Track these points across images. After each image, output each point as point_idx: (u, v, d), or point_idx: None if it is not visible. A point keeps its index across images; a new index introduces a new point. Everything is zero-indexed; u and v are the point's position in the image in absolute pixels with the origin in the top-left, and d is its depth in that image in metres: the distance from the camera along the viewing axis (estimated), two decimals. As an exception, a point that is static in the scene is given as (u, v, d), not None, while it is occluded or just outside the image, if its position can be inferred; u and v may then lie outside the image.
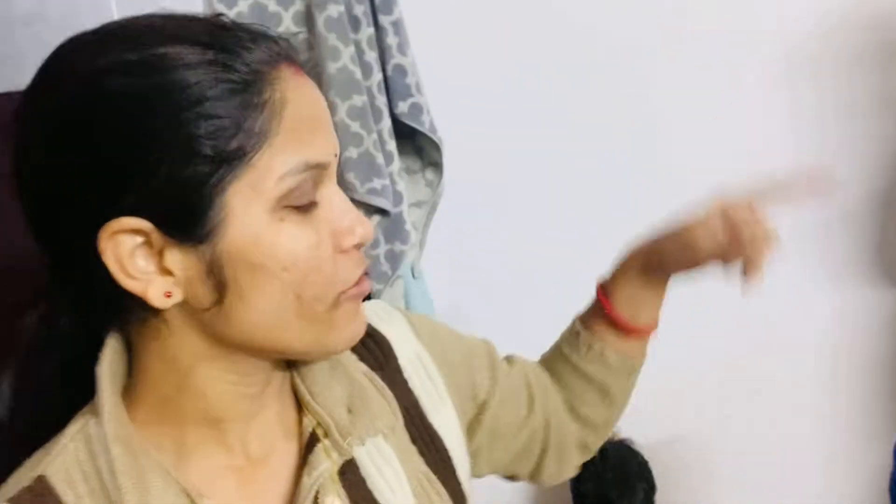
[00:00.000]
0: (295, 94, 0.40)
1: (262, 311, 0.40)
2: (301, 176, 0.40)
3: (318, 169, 0.41)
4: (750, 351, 1.43)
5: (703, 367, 1.43)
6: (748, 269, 0.55)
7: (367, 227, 0.44)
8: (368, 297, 0.52)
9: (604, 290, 0.64)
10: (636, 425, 1.13)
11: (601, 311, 0.63)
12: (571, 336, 0.66)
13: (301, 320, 0.42)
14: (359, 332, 0.46)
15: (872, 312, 1.42)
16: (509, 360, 0.66)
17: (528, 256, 1.38)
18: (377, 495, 0.47)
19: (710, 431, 1.48)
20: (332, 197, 0.43)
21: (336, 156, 0.43)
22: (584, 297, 0.67)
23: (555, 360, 0.67)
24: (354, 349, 0.51)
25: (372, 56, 1.11)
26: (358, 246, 0.43)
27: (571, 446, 0.67)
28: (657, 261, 0.61)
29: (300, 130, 0.40)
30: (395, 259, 1.13)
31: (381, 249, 1.13)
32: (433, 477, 0.52)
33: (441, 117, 1.21)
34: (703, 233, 0.57)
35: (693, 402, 1.46)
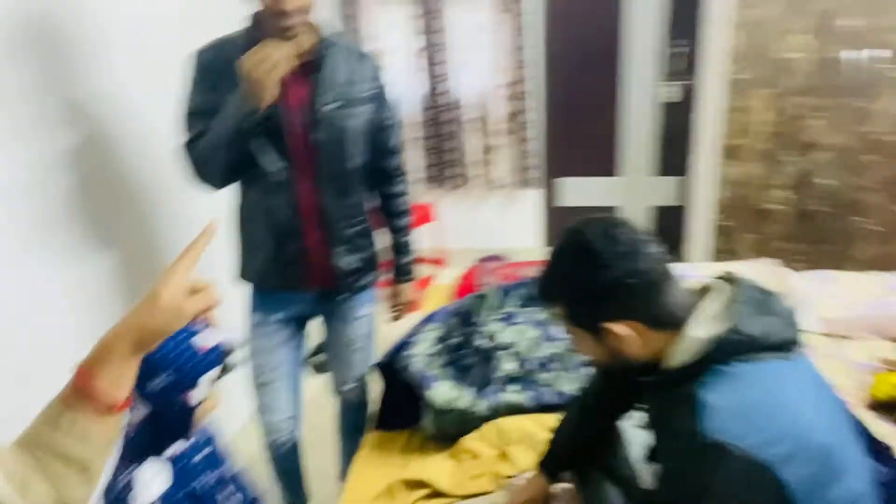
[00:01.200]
0: None
1: None
2: None
3: None
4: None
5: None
6: None
7: None
8: None
9: (87, 373, 0.69)
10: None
11: (83, 391, 0.68)
12: (51, 415, 0.68)
13: None
14: None
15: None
16: None
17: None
18: None
19: None
20: None
21: None
22: None
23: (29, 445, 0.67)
24: None
25: None
26: None
27: None
28: (151, 337, 0.72)
29: None
30: None
31: None
32: None
33: None
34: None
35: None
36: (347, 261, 1.68)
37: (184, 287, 0.75)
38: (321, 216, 1.62)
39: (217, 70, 1.48)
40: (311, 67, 1.52)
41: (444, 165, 3.55)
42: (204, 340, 1.06)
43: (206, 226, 0.81)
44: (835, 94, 2.59)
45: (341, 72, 1.55)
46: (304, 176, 1.58)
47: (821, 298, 2.17)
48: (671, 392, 0.96)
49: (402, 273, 1.86)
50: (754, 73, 2.62)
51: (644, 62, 3.36)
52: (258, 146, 1.53)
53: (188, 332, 1.07)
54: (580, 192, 3.69)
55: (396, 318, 1.95)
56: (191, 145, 1.52)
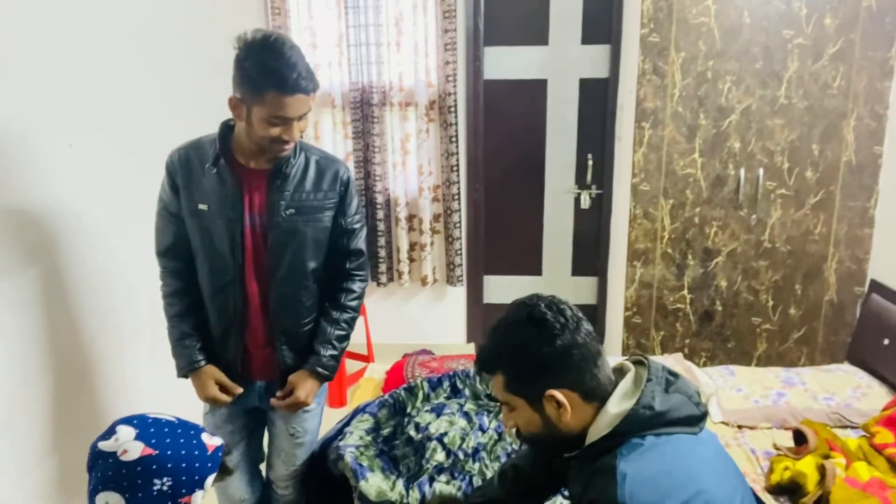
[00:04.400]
0: None
1: None
2: None
3: None
4: None
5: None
6: None
7: None
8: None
9: None
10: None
11: None
12: None
13: None
14: None
15: None
16: None
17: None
18: None
19: None
20: None
21: None
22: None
23: None
24: None
25: None
26: None
27: None
28: None
29: None
30: None
31: None
32: None
33: None
34: None
35: None
36: (292, 356, 1.71)
37: None
38: (267, 314, 1.67)
39: (179, 172, 1.61)
40: (275, 173, 1.59)
41: (375, 261, 3.67)
42: (210, 439, 1.09)
43: None
44: (726, 205, 2.92)
45: (303, 179, 1.62)
46: (256, 275, 1.64)
47: (722, 391, 2.36)
48: (593, 464, 1.06)
49: (317, 364, 1.70)
50: (658, 186, 2.93)
51: (563, 171, 3.67)
52: (213, 245, 1.61)
53: (197, 428, 1.10)
54: (505, 289, 3.87)
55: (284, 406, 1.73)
56: (161, 271, 1.72)
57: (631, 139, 2.94)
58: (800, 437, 2.03)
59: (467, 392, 2.17)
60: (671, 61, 2.79)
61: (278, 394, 1.71)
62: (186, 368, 1.68)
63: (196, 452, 1.05)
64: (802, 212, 2.90)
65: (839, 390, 2.30)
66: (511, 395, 1.13)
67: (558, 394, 1.07)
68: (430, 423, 1.90)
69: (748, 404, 2.29)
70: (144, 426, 1.04)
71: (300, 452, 1.84)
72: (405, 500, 1.67)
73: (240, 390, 1.71)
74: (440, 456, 1.79)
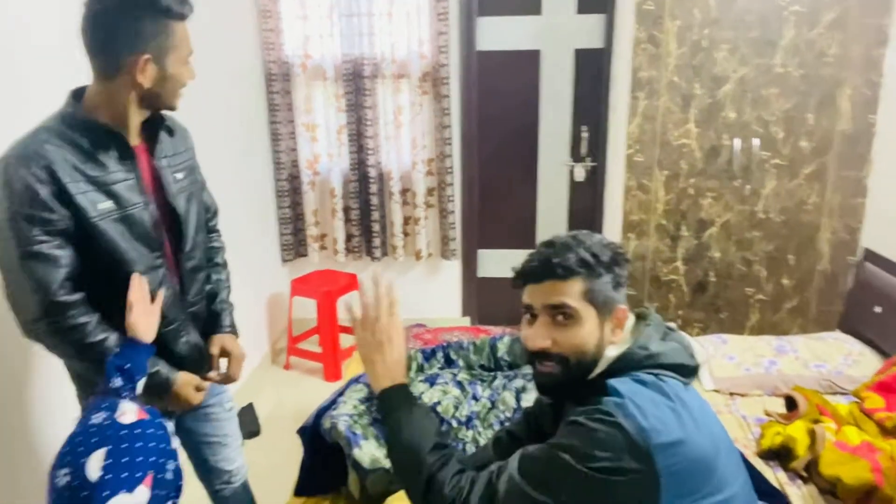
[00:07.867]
0: None
1: None
2: None
3: None
4: None
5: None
6: None
7: None
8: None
9: None
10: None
11: None
12: None
13: None
14: None
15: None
16: None
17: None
18: None
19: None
20: None
21: None
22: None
23: None
24: None
25: None
26: None
27: None
28: None
29: None
30: None
31: None
32: None
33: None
34: None
35: None
36: (196, 335, 1.56)
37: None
38: (180, 294, 1.50)
39: (67, 174, 1.24)
40: (152, 143, 1.41)
41: (368, 236, 3.66)
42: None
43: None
44: (720, 176, 2.91)
45: (171, 139, 1.47)
46: (168, 258, 1.45)
47: (714, 359, 2.38)
48: (585, 400, 1.05)
49: (233, 325, 1.67)
50: (652, 157, 2.91)
51: (557, 143, 3.65)
52: (137, 241, 1.35)
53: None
54: (499, 263, 3.87)
55: (231, 378, 1.62)
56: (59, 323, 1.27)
57: (626, 110, 2.92)
58: (791, 404, 2.04)
59: (461, 363, 2.18)
60: (666, 30, 2.76)
61: (213, 350, 1.57)
62: (166, 385, 1.41)
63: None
64: (796, 182, 2.89)
65: (830, 358, 2.32)
66: (586, 303, 1.09)
67: (626, 310, 1.12)
68: (423, 393, 1.91)
69: (739, 372, 2.31)
70: None
71: (237, 424, 1.77)
72: (399, 468, 1.68)
73: (212, 379, 1.57)
74: (434, 424, 1.80)
